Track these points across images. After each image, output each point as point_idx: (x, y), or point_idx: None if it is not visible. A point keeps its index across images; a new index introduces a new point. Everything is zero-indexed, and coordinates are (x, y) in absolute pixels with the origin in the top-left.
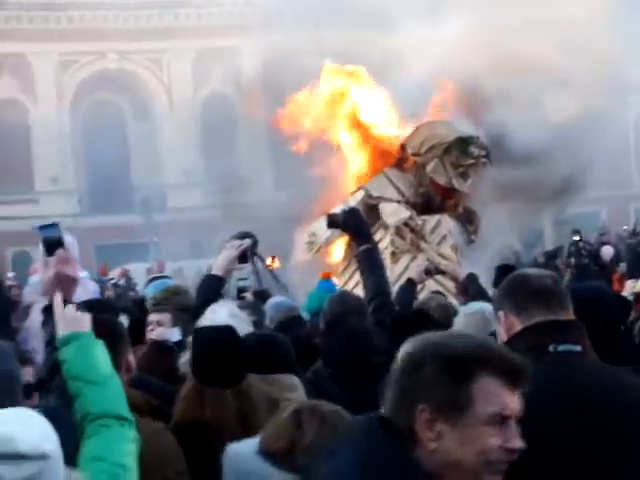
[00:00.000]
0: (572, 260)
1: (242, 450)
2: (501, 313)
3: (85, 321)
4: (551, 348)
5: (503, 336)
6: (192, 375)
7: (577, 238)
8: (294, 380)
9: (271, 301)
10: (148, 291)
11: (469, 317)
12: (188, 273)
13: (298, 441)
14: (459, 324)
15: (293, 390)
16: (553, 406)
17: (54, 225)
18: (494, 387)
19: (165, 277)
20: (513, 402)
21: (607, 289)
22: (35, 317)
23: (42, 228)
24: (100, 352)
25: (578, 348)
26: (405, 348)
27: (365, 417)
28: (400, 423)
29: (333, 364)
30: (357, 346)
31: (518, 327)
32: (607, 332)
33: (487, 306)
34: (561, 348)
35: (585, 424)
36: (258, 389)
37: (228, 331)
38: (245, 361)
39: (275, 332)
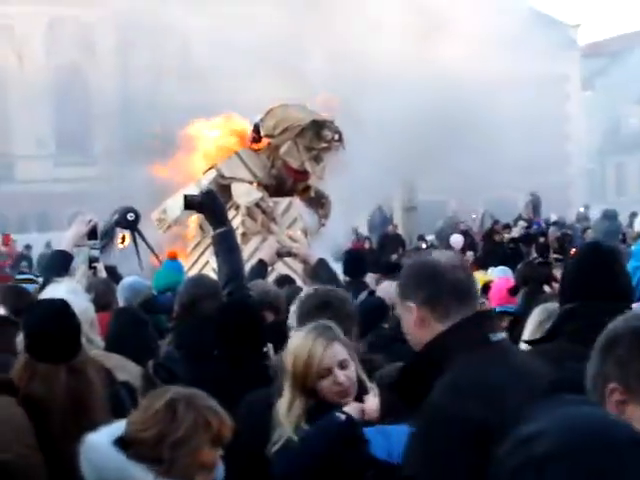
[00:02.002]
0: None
1: (97, 440)
2: (411, 304)
3: None
4: (492, 338)
5: (410, 327)
6: (24, 351)
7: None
8: (127, 362)
9: (125, 282)
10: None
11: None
12: (36, 247)
13: (169, 434)
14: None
15: (126, 371)
16: (521, 390)
17: None
18: None
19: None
20: None
21: None
22: None
23: None
24: None
25: (504, 335)
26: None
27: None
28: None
29: (184, 347)
30: (209, 330)
31: (433, 321)
32: None
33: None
34: (498, 337)
35: None
36: (94, 365)
37: (61, 305)
38: (78, 337)
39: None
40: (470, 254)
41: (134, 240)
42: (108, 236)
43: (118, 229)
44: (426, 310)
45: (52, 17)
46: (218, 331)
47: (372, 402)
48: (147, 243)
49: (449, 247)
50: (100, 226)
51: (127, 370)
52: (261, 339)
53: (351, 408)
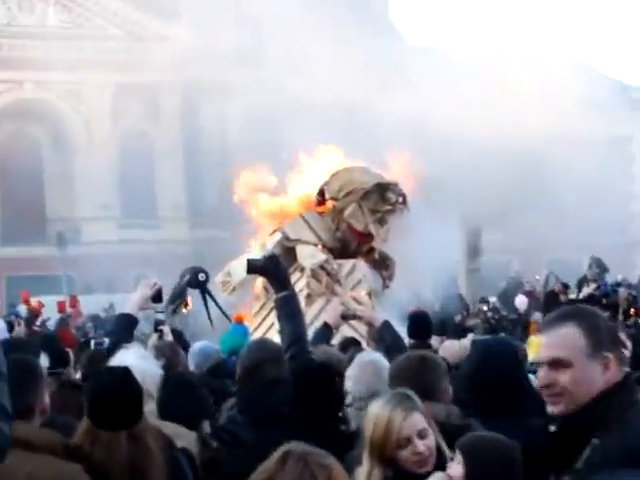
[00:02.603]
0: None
1: None
2: (611, 357)
3: None
4: None
5: (586, 381)
6: (86, 418)
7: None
8: (181, 429)
9: (195, 347)
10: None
11: (363, 366)
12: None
13: (276, 477)
14: (353, 373)
15: (181, 438)
16: None
17: None
18: None
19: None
20: None
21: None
22: None
23: None
24: None
25: None
26: None
27: None
28: None
29: (248, 411)
30: (271, 395)
31: (612, 377)
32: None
33: (379, 356)
34: None
35: None
36: (154, 433)
37: (123, 373)
38: (140, 404)
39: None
40: (538, 315)
41: (204, 301)
42: (180, 297)
43: (189, 290)
44: (615, 362)
45: (119, 83)
46: (294, 391)
47: (457, 470)
48: (217, 304)
49: (513, 308)
50: (170, 288)
51: (182, 437)
52: (337, 402)
53: (437, 478)
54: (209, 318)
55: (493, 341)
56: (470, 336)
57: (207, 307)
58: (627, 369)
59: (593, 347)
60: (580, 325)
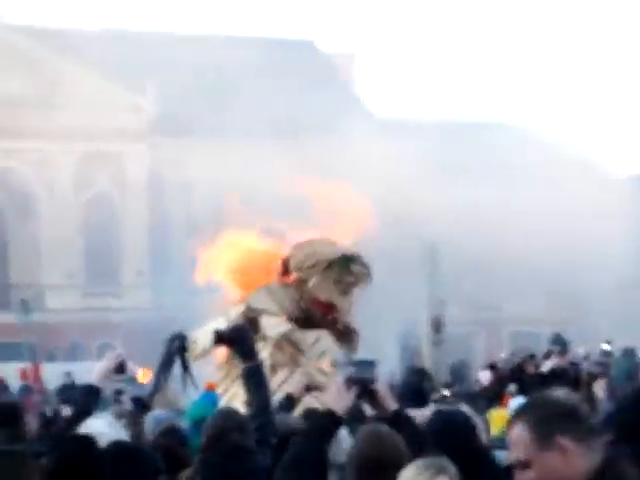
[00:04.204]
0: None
1: None
2: (565, 440)
3: None
4: None
5: (562, 469)
6: None
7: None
8: None
9: (151, 415)
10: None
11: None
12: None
13: None
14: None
15: None
16: None
17: None
18: None
19: None
20: None
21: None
22: None
23: None
24: None
25: None
26: None
27: None
28: None
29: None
30: (236, 463)
31: (578, 459)
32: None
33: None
34: None
35: None
36: None
37: (84, 443)
38: (100, 474)
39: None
40: (513, 387)
41: (185, 366)
42: (171, 364)
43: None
44: (574, 447)
45: (83, 152)
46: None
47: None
48: (189, 371)
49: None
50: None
51: None
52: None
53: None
54: (192, 382)
55: (451, 414)
56: (432, 406)
57: (190, 373)
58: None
59: (542, 439)
60: (528, 421)
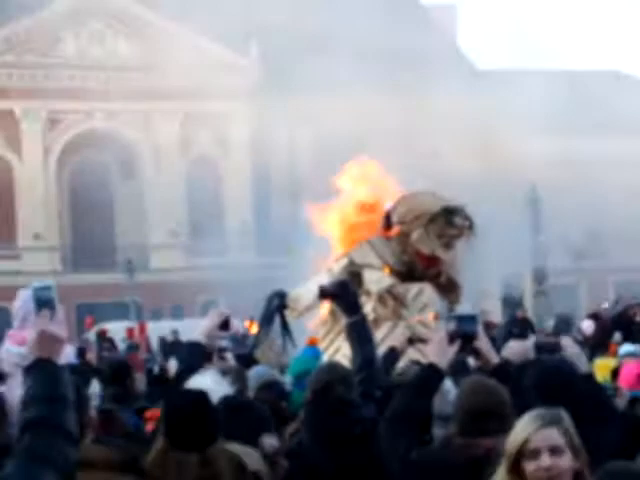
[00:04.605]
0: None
1: None
2: None
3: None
4: None
5: None
6: (162, 437)
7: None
8: (246, 450)
9: (252, 371)
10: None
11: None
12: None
13: None
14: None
15: (247, 456)
16: None
17: (48, 287)
18: None
19: None
20: None
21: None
22: (11, 390)
23: (37, 288)
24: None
25: None
26: None
27: None
28: None
29: (317, 433)
30: (341, 416)
31: None
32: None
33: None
34: None
35: None
36: (226, 456)
37: (199, 396)
38: (216, 427)
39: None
40: (618, 336)
41: (285, 324)
42: (271, 322)
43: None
44: None
45: (187, 111)
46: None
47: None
48: (288, 328)
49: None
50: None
51: (249, 456)
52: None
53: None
54: (291, 340)
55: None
56: (532, 338)
57: (289, 330)
58: None
59: None
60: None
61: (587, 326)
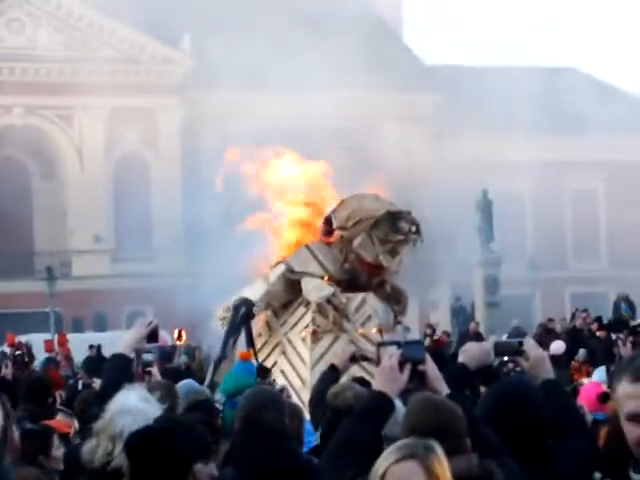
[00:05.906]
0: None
1: None
2: None
3: None
4: None
5: None
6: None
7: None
8: None
9: (180, 384)
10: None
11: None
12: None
13: None
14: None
15: None
16: None
17: None
18: None
19: None
20: None
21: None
22: None
23: None
24: None
25: None
26: None
27: None
28: None
29: (243, 464)
30: (269, 447)
31: None
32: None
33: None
34: None
35: None
36: None
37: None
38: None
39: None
40: (582, 352)
41: (249, 333)
42: (239, 331)
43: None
44: None
45: (113, 107)
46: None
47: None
48: (253, 340)
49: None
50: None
51: None
52: None
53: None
54: (255, 352)
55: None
56: (491, 338)
57: (253, 342)
58: None
59: None
60: None
61: (556, 347)
